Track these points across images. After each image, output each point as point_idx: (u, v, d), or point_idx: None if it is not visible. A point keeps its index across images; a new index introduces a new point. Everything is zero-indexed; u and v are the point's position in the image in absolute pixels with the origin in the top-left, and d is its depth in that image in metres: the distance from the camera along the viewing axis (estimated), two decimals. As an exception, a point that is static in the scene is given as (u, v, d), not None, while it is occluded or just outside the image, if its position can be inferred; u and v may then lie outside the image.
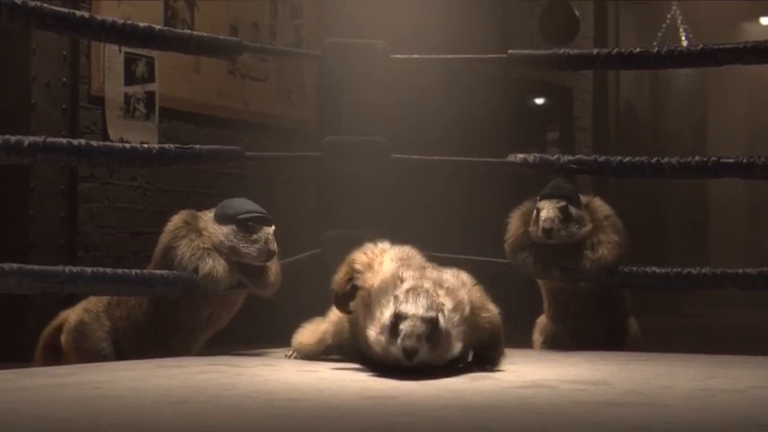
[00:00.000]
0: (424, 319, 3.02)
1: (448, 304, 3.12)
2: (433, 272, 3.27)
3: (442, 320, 3.07)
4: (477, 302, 3.29)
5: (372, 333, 3.12)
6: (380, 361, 3.17)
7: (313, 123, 7.04)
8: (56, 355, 4.10)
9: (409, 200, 7.53)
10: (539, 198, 4.28)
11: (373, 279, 3.26)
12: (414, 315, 3.01)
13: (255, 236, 3.94)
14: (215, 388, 2.95)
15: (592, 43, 10.40)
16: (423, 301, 3.04)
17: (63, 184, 5.49)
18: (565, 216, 4.19)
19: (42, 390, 2.90)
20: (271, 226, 3.98)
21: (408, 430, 2.30)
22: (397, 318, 3.03)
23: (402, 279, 3.15)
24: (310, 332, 3.74)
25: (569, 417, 2.47)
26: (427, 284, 3.12)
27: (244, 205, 4.02)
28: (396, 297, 3.08)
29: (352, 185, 6.65)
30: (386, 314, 3.08)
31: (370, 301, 3.19)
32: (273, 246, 3.95)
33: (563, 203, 4.20)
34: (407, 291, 3.08)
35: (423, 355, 3.02)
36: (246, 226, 3.94)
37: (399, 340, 3.00)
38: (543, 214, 4.19)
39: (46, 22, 3.83)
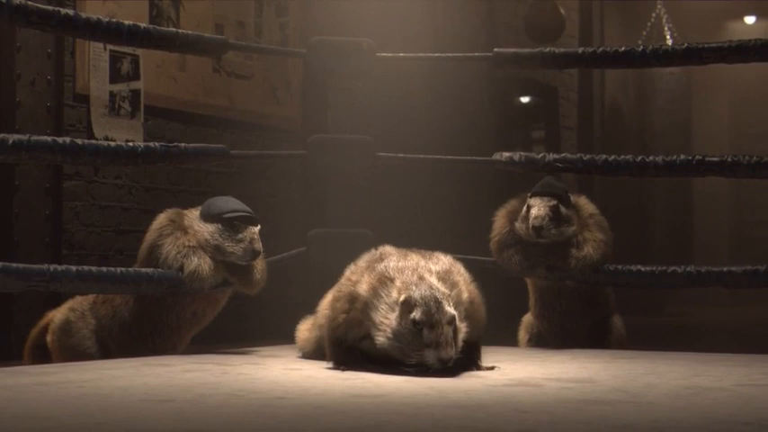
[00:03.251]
0: (449, 321, 3.03)
1: (447, 292, 3.11)
2: (418, 259, 3.26)
3: (457, 317, 3.08)
4: (475, 297, 3.29)
5: (383, 339, 3.09)
6: (387, 358, 3.15)
7: (299, 121, 7.03)
8: (44, 355, 4.09)
9: (394, 198, 7.53)
10: (529, 195, 4.29)
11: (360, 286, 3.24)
12: (439, 321, 3.00)
13: (240, 235, 3.93)
14: (200, 387, 2.94)
15: (577, 42, 10.41)
16: (439, 302, 3.02)
17: (48, 182, 5.46)
18: (555, 215, 4.20)
19: (25, 389, 2.89)
20: (256, 225, 3.97)
21: (394, 429, 2.30)
22: (420, 324, 3.01)
23: (392, 278, 3.14)
24: (307, 333, 3.74)
25: (555, 415, 2.47)
26: (427, 277, 3.11)
27: (229, 204, 4.02)
28: (406, 301, 3.04)
29: (338, 184, 6.65)
30: (395, 318, 3.06)
31: (363, 306, 3.18)
32: (258, 246, 3.94)
33: (554, 202, 4.21)
34: (415, 291, 3.05)
35: (455, 356, 3.04)
36: (232, 225, 3.93)
37: (433, 349, 2.99)
38: (533, 212, 4.19)
39: (31, 20, 3.81)
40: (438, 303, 3.03)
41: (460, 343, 3.10)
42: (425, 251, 3.38)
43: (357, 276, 3.26)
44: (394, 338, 3.06)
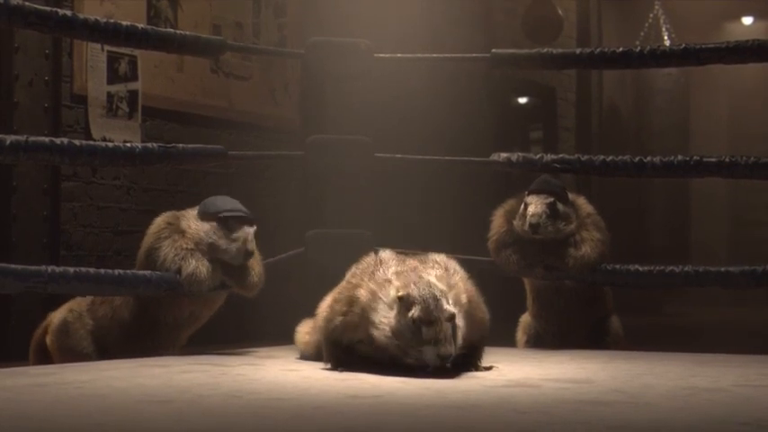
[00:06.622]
0: (449, 319, 3.03)
1: (446, 289, 3.11)
2: (416, 263, 3.26)
3: (457, 315, 3.07)
4: (473, 297, 3.29)
5: (382, 338, 3.09)
6: (384, 358, 3.14)
7: (297, 122, 7.03)
8: (47, 356, 4.10)
9: (392, 199, 7.53)
10: (527, 193, 4.30)
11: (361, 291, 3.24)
12: (438, 318, 3.00)
13: (235, 235, 3.94)
14: (198, 388, 2.94)
15: (575, 43, 10.41)
16: (438, 300, 3.02)
17: (46, 182, 5.46)
18: (552, 212, 4.21)
19: (24, 390, 2.89)
20: (252, 226, 3.98)
21: (392, 429, 2.30)
22: (420, 322, 3.00)
23: (389, 280, 3.14)
24: (307, 336, 3.74)
25: (552, 416, 2.47)
26: (425, 276, 3.11)
27: (226, 203, 4.04)
28: (405, 298, 3.04)
29: (336, 184, 6.65)
30: (393, 316, 3.05)
31: (362, 310, 3.17)
32: (252, 246, 3.95)
33: (551, 199, 4.22)
34: (413, 290, 3.05)
35: (454, 353, 3.03)
36: (227, 224, 3.95)
37: (432, 346, 2.99)
38: (531, 209, 4.20)
39: (29, 21, 3.81)
40: (437, 301, 3.03)
41: (460, 341, 3.10)
42: (423, 255, 3.38)
43: (357, 280, 3.27)
44: (393, 336, 3.06)
